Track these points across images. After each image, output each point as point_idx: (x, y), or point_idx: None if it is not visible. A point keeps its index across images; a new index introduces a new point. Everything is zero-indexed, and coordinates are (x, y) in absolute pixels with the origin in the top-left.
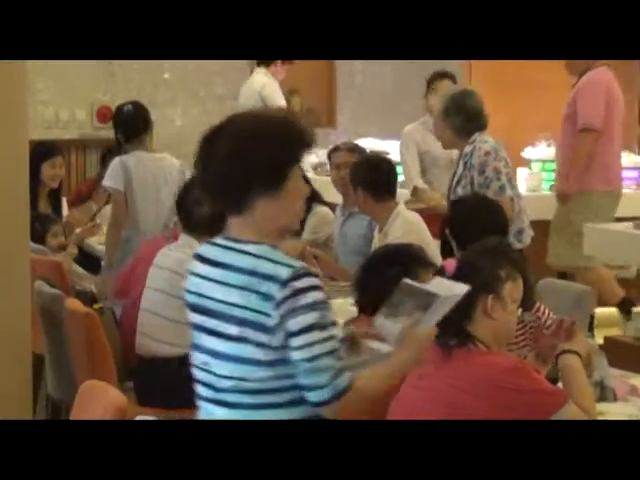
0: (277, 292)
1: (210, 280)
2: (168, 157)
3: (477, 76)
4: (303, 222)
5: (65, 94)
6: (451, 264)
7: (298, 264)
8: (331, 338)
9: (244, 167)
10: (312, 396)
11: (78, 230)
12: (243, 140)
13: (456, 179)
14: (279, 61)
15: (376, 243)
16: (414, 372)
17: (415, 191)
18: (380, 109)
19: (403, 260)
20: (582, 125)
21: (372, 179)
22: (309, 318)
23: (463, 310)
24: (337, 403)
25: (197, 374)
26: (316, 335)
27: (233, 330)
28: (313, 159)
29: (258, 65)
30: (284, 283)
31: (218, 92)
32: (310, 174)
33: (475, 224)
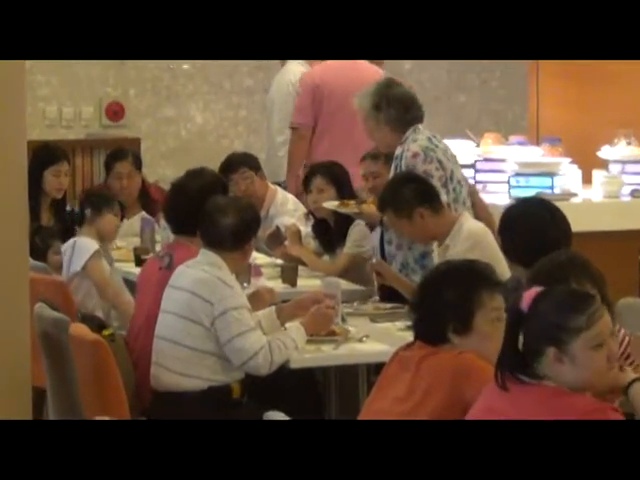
0: None
1: None
2: None
3: (545, 67)
4: (344, 235)
5: (69, 88)
6: (528, 298)
7: None
8: None
9: None
10: None
11: None
12: None
13: None
14: None
15: (435, 258)
16: (480, 404)
17: None
18: (433, 100)
19: (465, 280)
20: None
21: (423, 192)
22: None
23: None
24: None
25: None
26: None
27: None
28: None
29: None
30: None
31: (245, 84)
32: None
33: (530, 235)
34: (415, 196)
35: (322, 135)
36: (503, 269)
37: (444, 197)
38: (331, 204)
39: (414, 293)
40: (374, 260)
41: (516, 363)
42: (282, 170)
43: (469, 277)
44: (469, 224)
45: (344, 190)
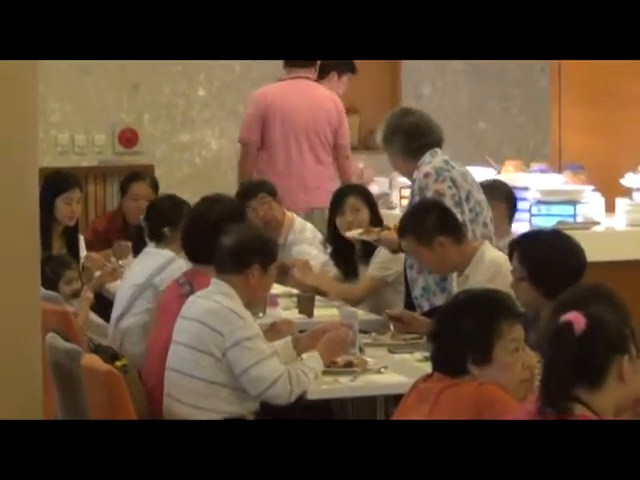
0: None
1: None
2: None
3: (568, 92)
4: (369, 259)
5: (82, 115)
6: (580, 320)
7: None
8: None
9: None
10: None
11: (97, 274)
12: None
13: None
14: (335, 74)
15: (454, 288)
16: None
17: None
18: (453, 127)
19: (485, 310)
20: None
21: (446, 221)
22: None
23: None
24: None
25: None
26: None
27: None
28: (374, 189)
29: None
30: None
31: None
32: None
33: (550, 263)
34: (438, 225)
35: (276, 152)
36: None
37: (457, 216)
38: (355, 233)
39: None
40: (388, 311)
41: (567, 393)
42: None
43: (489, 307)
44: (490, 253)
45: (375, 211)
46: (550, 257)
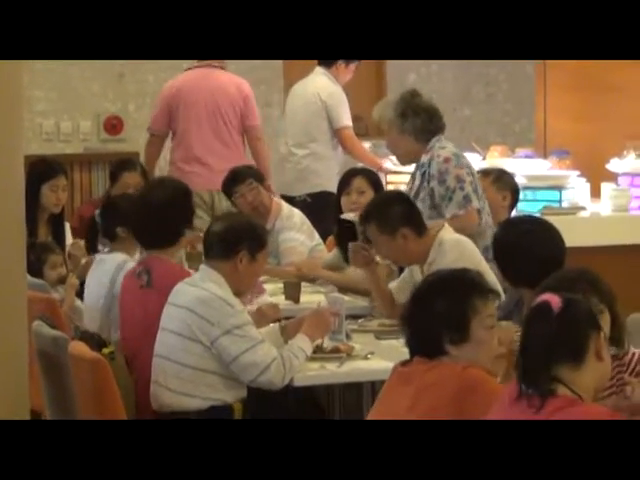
0: None
1: None
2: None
3: (554, 78)
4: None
5: (67, 102)
6: (555, 299)
7: None
8: None
9: None
10: None
11: (84, 261)
12: None
13: (412, 194)
14: (342, 62)
15: (418, 277)
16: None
17: None
18: None
19: (457, 288)
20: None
21: (411, 214)
22: None
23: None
24: None
25: None
26: None
27: None
28: None
29: (319, 64)
30: None
31: None
32: None
33: (528, 251)
34: (402, 216)
35: (181, 138)
36: (490, 276)
37: (475, 202)
38: (348, 215)
39: (389, 303)
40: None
41: (548, 373)
42: (301, 184)
43: (460, 286)
44: (450, 236)
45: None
46: (510, 244)
